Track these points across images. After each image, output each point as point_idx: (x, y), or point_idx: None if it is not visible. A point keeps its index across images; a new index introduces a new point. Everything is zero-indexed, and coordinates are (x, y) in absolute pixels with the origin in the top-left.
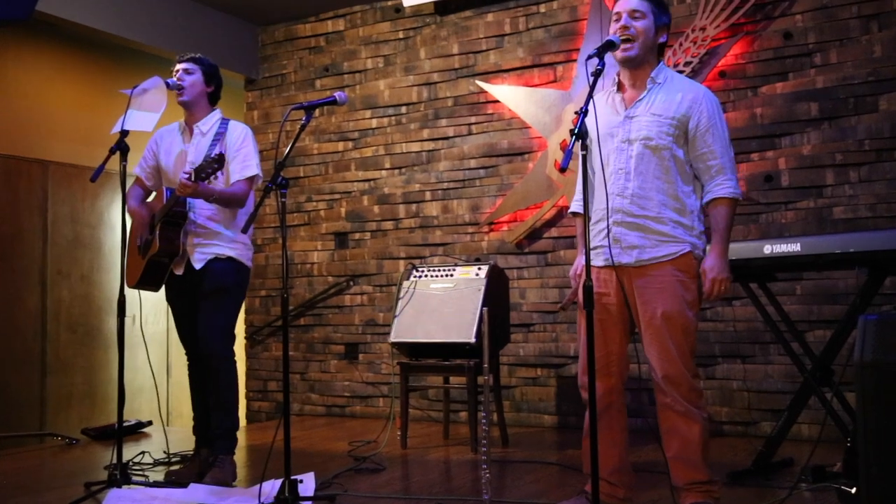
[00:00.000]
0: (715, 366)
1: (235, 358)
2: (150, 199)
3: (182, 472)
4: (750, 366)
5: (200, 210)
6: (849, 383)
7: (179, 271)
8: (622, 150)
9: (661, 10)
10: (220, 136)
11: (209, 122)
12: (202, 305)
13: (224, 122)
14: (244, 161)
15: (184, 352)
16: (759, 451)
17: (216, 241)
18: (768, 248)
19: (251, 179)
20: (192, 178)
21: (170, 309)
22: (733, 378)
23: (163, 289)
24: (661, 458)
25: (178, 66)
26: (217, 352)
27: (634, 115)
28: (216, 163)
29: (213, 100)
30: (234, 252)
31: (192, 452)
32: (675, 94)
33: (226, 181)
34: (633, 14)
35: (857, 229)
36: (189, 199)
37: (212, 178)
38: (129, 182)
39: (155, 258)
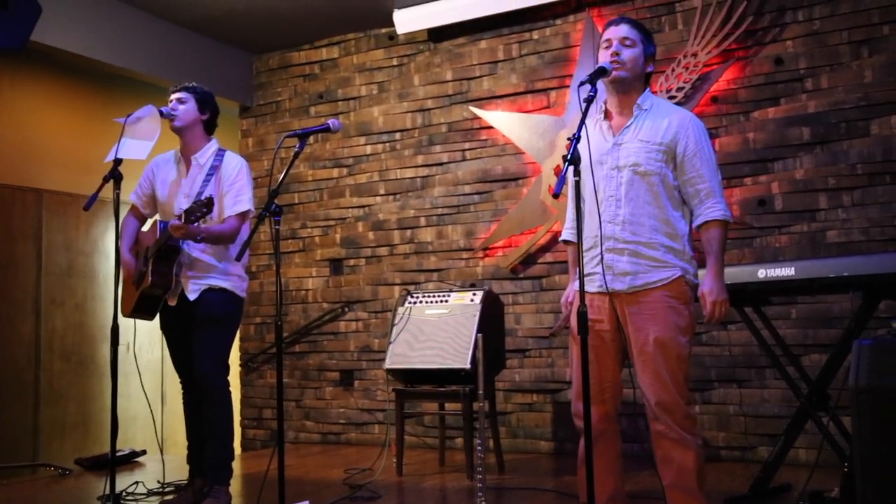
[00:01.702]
0: (711, 390)
1: (230, 388)
2: (144, 227)
3: (176, 501)
4: (746, 390)
5: (194, 244)
6: (845, 407)
7: (173, 302)
8: (612, 177)
9: (648, 40)
10: (214, 169)
11: (206, 154)
12: (196, 335)
13: (220, 154)
14: (237, 196)
15: (178, 380)
16: (756, 477)
17: (210, 273)
18: (762, 273)
19: (243, 215)
20: (183, 220)
21: (164, 338)
22: (729, 403)
23: (157, 318)
24: (658, 484)
25: (172, 96)
26: (211, 381)
27: (622, 142)
28: (205, 206)
29: (208, 128)
30: (228, 283)
31: (186, 482)
32: (661, 121)
33: (219, 215)
34: (623, 41)
35: (851, 253)
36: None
37: (200, 220)
38: (123, 210)
39: (148, 291)
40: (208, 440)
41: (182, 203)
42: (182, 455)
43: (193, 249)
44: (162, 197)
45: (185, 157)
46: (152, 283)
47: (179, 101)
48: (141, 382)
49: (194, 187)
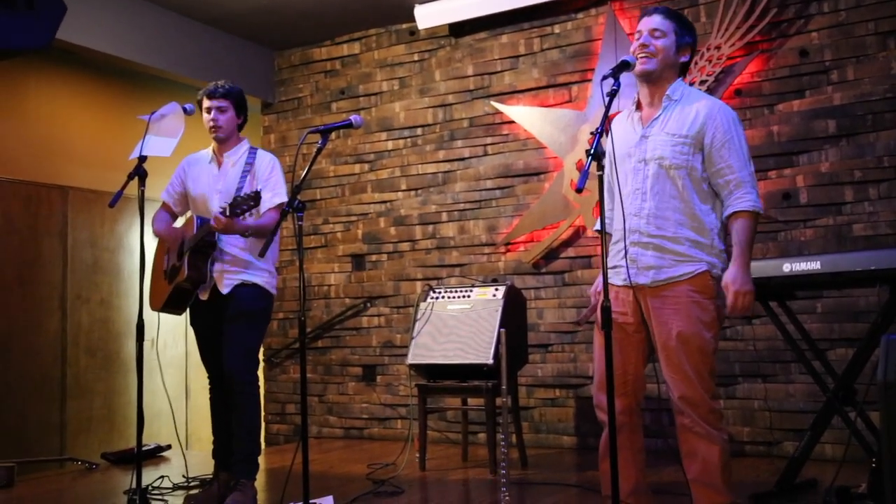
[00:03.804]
0: (735, 385)
1: (259, 383)
2: (177, 223)
3: (201, 496)
4: (771, 385)
5: (229, 239)
6: (872, 402)
7: (205, 297)
8: (638, 170)
9: (684, 30)
10: (248, 166)
11: (238, 153)
12: (227, 330)
13: (252, 153)
14: (273, 189)
15: (204, 375)
16: (781, 472)
17: (244, 268)
18: (788, 267)
19: (280, 207)
20: (227, 214)
21: (193, 333)
22: (754, 398)
23: (186, 313)
24: (682, 479)
25: (210, 104)
26: (241, 376)
27: (650, 135)
28: (252, 200)
29: (240, 128)
30: (260, 279)
31: (211, 476)
32: (689, 111)
33: (256, 211)
34: (653, 32)
35: (878, 247)
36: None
37: (246, 214)
38: (150, 207)
39: (181, 285)
40: (236, 435)
41: (215, 200)
42: (207, 450)
43: (229, 245)
44: (196, 195)
45: (218, 156)
46: (188, 276)
47: (220, 110)
48: (162, 378)
49: (228, 184)
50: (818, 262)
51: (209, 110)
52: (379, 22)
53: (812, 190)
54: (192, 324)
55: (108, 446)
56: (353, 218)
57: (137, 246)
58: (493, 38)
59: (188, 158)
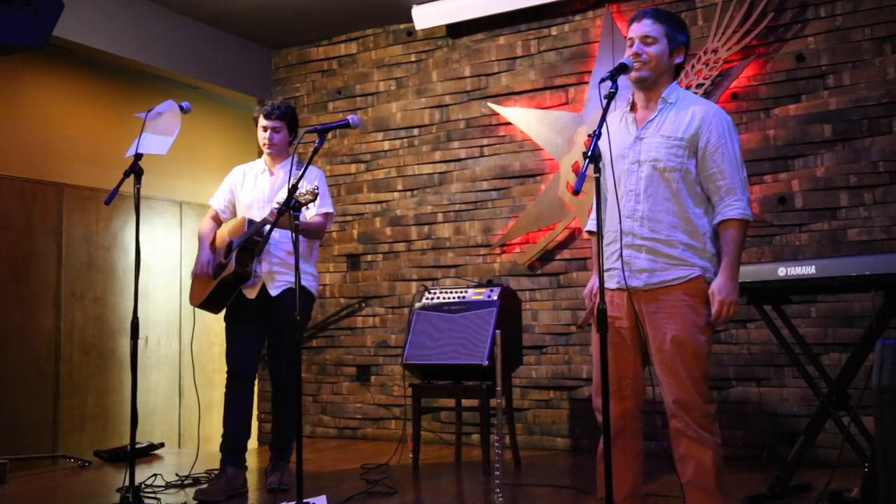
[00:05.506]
0: (729, 389)
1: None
2: (222, 228)
3: (210, 489)
4: (765, 389)
5: (278, 242)
6: (866, 407)
7: (252, 295)
8: (632, 171)
9: (676, 31)
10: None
11: (288, 165)
12: (276, 333)
13: (299, 166)
14: (321, 199)
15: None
16: (775, 476)
17: (291, 270)
18: (782, 271)
19: (327, 215)
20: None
21: (226, 328)
22: (748, 401)
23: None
24: (675, 482)
25: (266, 124)
26: (291, 373)
27: (644, 137)
28: (310, 195)
29: (290, 144)
30: (306, 282)
31: (205, 473)
32: (685, 114)
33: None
34: (644, 40)
35: (873, 252)
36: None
37: (303, 208)
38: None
39: (226, 280)
40: (279, 424)
41: (267, 208)
42: (204, 449)
43: (276, 247)
44: (246, 201)
45: (271, 168)
46: (234, 272)
47: (275, 130)
48: (193, 375)
49: (283, 194)
50: (813, 267)
51: (265, 129)
52: (376, 22)
53: (807, 194)
54: (230, 320)
55: (100, 444)
56: (349, 218)
57: (132, 243)
58: (491, 40)
59: (240, 168)
